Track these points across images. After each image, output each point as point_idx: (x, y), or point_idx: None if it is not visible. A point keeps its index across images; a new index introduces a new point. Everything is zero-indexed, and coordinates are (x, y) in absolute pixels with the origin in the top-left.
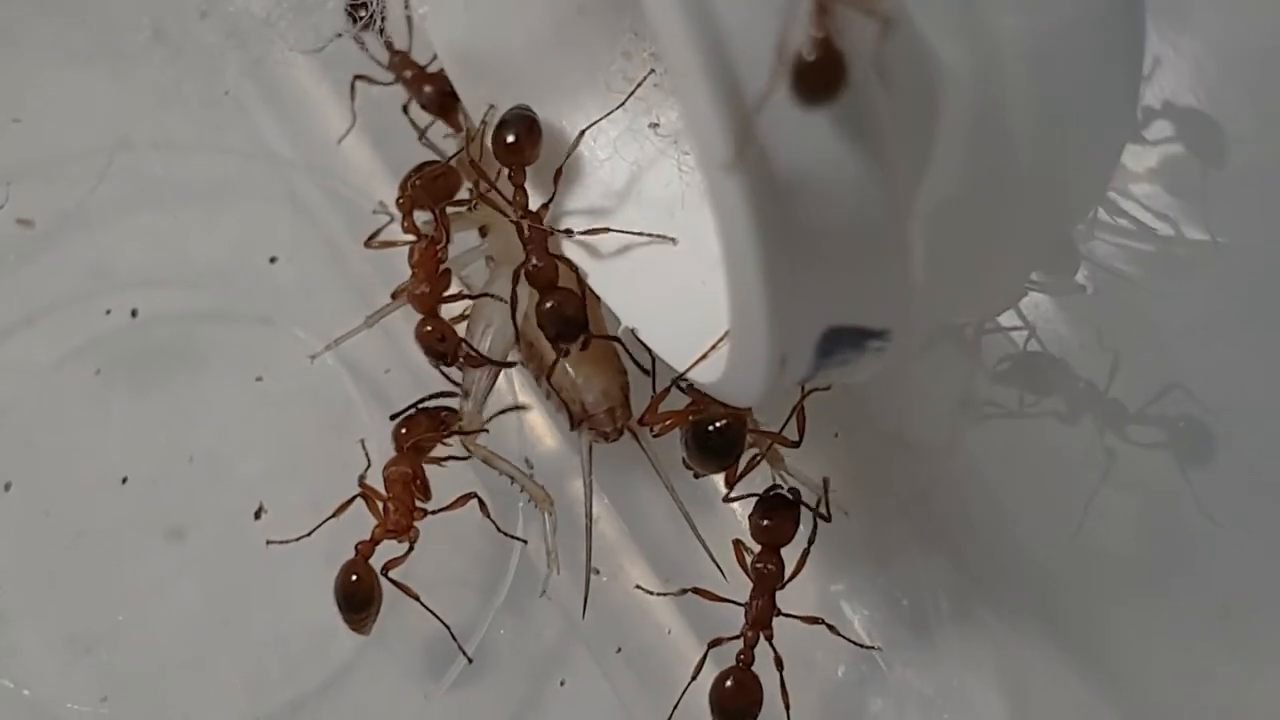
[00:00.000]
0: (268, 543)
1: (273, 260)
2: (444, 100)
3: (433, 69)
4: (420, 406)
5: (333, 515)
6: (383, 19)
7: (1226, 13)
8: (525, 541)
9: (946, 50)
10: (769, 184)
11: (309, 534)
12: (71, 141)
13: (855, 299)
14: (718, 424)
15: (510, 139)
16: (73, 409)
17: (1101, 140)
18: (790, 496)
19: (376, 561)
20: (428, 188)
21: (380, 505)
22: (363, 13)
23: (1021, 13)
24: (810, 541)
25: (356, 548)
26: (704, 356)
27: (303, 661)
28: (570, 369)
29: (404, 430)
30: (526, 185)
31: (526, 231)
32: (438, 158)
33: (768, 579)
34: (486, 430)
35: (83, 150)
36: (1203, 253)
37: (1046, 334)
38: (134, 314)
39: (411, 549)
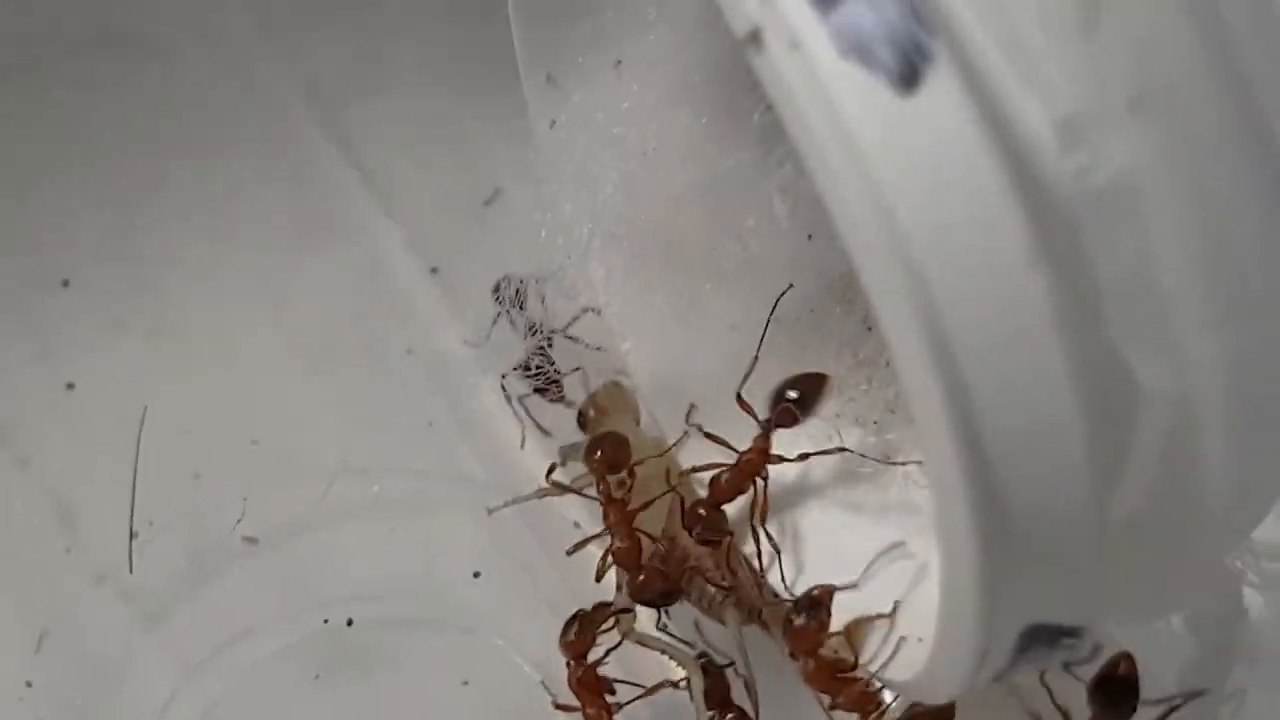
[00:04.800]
0: None
1: (476, 575)
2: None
3: None
4: (578, 614)
5: None
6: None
7: None
8: None
9: (1143, 371)
10: (991, 490)
11: None
12: (298, 461)
13: (1058, 596)
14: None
15: (792, 396)
16: (292, 711)
17: None
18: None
19: None
20: (610, 460)
21: (583, 715)
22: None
23: (1222, 337)
24: None
25: None
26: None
27: None
28: None
29: (569, 640)
30: None
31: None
32: None
33: None
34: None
35: (307, 470)
36: None
37: None
38: (349, 623)
39: None
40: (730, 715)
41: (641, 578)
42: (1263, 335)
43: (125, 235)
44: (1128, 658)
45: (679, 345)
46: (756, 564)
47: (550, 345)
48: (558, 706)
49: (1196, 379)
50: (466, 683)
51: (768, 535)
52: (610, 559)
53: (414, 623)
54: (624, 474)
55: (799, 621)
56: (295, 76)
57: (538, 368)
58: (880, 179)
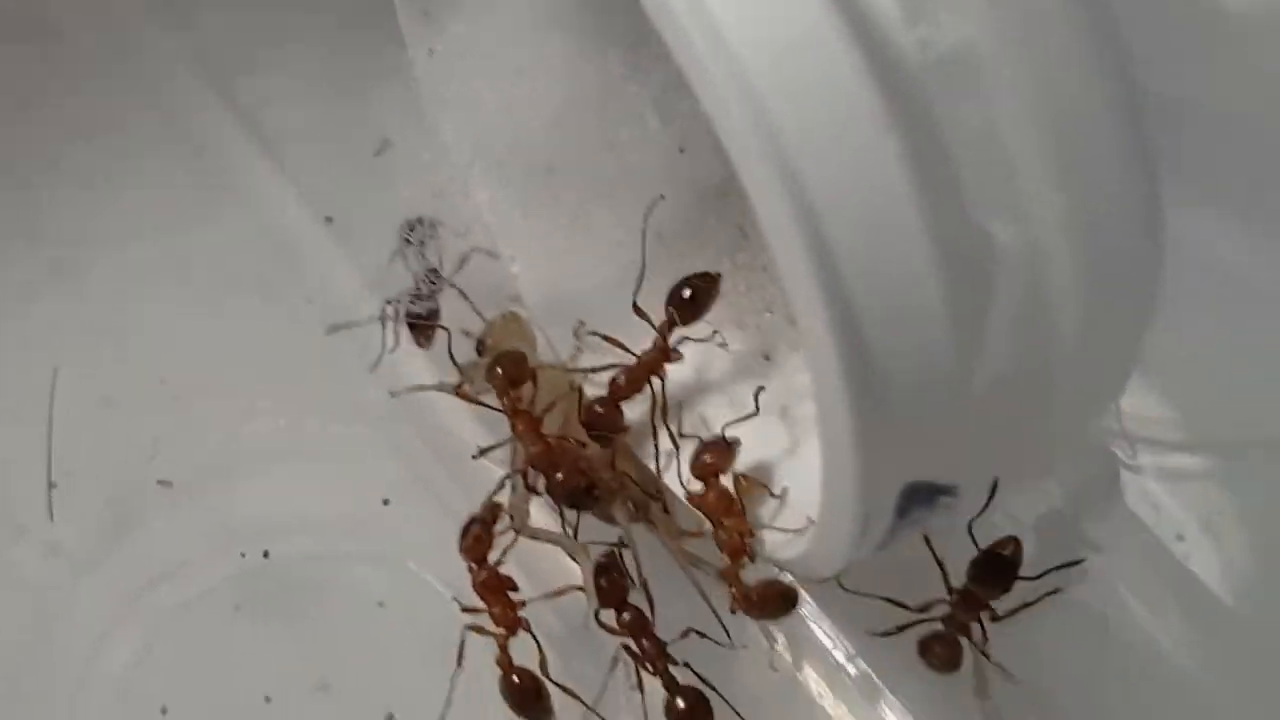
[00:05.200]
0: None
1: (386, 503)
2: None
3: None
4: (473, 518)
5: (458, 666)
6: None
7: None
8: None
9: (996, 230)
10: (861, 353)
11: None
12: (209, 409)
13: (931, 456)
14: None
15: (686, 295)
16: (217, 641)
17: (1137, 311)
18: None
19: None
20: (510, 376)
21: (489, 614)
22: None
23: (1065, 193)
24: None
25: (497, 662)
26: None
27: None
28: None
29: (468, 544)
30: None
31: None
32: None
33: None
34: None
35: (217, 417)
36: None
37: None
38: (266, 555)
39: (536, 639)
40: (627, 614)
41: (560, 477)
42: (1102, 191)
43: (29, 207)
44: (1016, 542)
45: (567, 264)
46: (654, 463)
47: (438, 287)
48: (465, 610)
49: (1044, 235)
50: (382, 604)
51: (669, 432)
52: (526, 468)
53: (328, 553)
54: (526, 387)
55: (706, 458)
56: (182, 45)
57: (423, 312)
58: (740, 59)
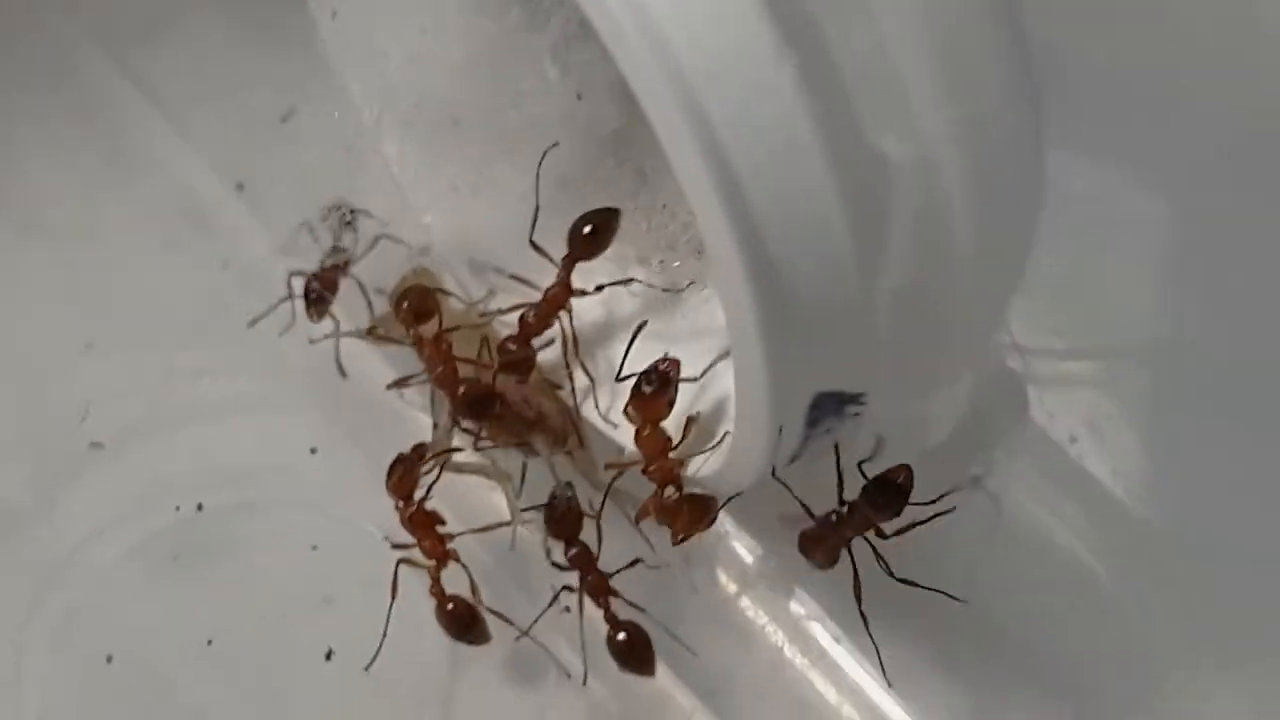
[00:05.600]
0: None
1: (313, 451)
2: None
3: None
4: (399, 457)
5: (393, 599)
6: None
7: None
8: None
9: (889, 145)
10: (767, 269)
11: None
12: (134, 371)
13: (838, 365)
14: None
15: (587, 230)
16: (157, 590)
17: (1024, 220)
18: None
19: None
20: (416, 309)
21: (420, 548)
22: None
23: (952, 108)
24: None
25: (431, 593)
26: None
27: None
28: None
29: (394, 481)
30: None
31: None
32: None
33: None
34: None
35: (143, 378)
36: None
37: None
38: (200, 508)
39: (466, 568)
40: (574, 549)
41: (463, 390)
42: (987, 107)
43: None
44: (908, 469)
45: (475, 215)
46: (570, 399)
47: (341, 266)
48: (395, 546)
49: (934, 149)
50: (315, 547)
51: (582, 367)
52: (436, 393)
53: (261, 501)
54: (433, 319)
55: (648, 390)
56: (83, 19)
57: (319, 283)
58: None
